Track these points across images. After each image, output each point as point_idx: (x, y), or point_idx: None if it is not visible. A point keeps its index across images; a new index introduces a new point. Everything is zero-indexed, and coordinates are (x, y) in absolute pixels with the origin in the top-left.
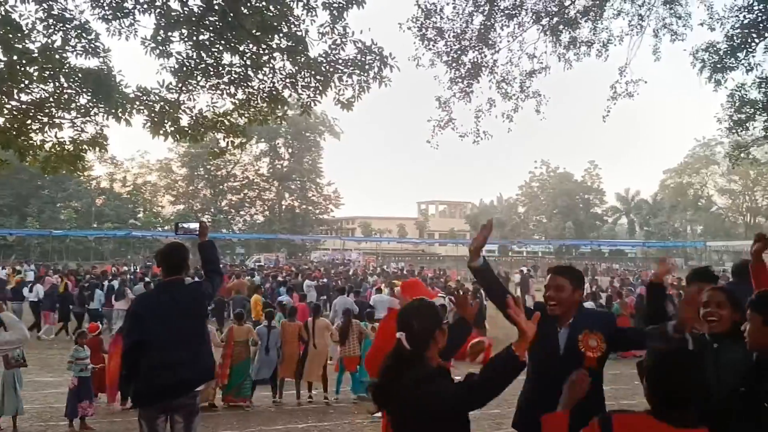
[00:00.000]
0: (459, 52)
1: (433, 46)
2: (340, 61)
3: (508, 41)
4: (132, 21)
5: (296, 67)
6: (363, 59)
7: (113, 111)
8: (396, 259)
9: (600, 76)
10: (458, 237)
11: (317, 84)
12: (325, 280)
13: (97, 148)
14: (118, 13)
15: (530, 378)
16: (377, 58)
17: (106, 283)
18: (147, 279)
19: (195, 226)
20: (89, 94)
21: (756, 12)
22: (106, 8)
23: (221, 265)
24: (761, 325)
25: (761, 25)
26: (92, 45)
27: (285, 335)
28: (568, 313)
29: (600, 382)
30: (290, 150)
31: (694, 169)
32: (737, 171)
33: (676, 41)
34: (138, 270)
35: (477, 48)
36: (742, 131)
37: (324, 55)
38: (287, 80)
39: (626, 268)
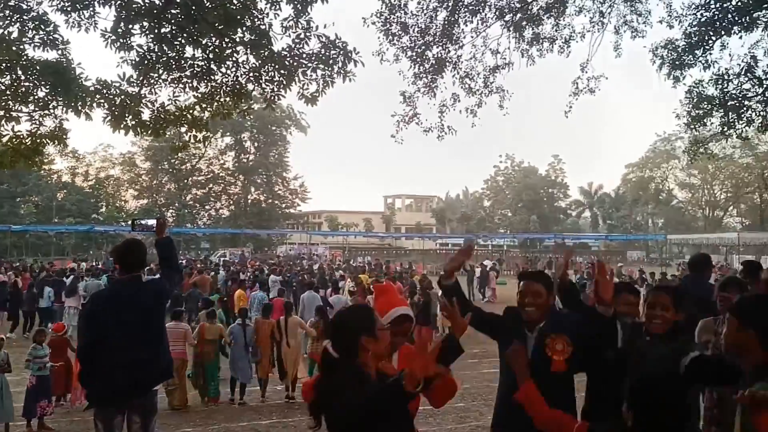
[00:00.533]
0: (423, 48)
1: (398, 41)
2: (304, 55)
3: (472, 37)
4: (92, 13)
5: (260, 61)
6: (327, 54)
7: (72, 104)
8: (362, 254)
9: (564, 71)
10: (424, 231)
11: (281, 78)
12: (289, 275)
13: (57, 142)
14: (78, 5)
15: (503, 383)
16: (341, 52)
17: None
18: (108, 274)
19: (152, 222)
20: (48, 86)
21: (713, 10)
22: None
23: (180, 262)
24: (735, 330)
25: (718, 23)
26: (50, 37)
27: (259, 333)
28: (542, 317)
29: (570, 388)
30: (256, 144)
31: (655, 163)
32: (696, 165)
33: (636, 38)
34: (100, 264)
35: (441, 43)
36: (699, 127)
37: (288, 49)
38: (251, 74)
39: (589, 261)
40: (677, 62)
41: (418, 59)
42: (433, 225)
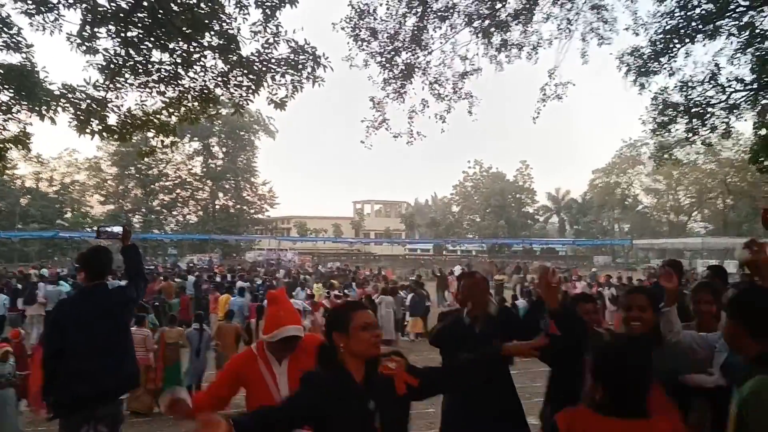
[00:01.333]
0: (392, 53)
1: (367, 46)
2: (273, 60)
3: (441, 43)
4: (57, 16)
5: (228, 66)
6: (296, 59)
7: (37, 108)
8: (332, 259)
9: (532, 78)
10: (393, 236)
11: (250, 83)
12: (259, 280)
13: (20, 147)
14: (42, 8)
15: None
16: (310, 57)
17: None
18: (71, 281)
19: (118, 229)
20: (11, 90)
21: (677, 18)
22: (29, 2)
23: (146, 269)
24: (727, 324)
25: (682, 30)
26: (14, 40)
27: (223, 338)
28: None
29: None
30: (224, 149)
31: (621, 169)
32: (661, 171)
33: (603, 45)
34: (65, 271)
35: (410, 49)
36: (665, 133)
37: (256, 54)
38: (219, 79)
39: (557, 266)
40: (643, 69)
41: (388, 65)
42: (402, 230)
